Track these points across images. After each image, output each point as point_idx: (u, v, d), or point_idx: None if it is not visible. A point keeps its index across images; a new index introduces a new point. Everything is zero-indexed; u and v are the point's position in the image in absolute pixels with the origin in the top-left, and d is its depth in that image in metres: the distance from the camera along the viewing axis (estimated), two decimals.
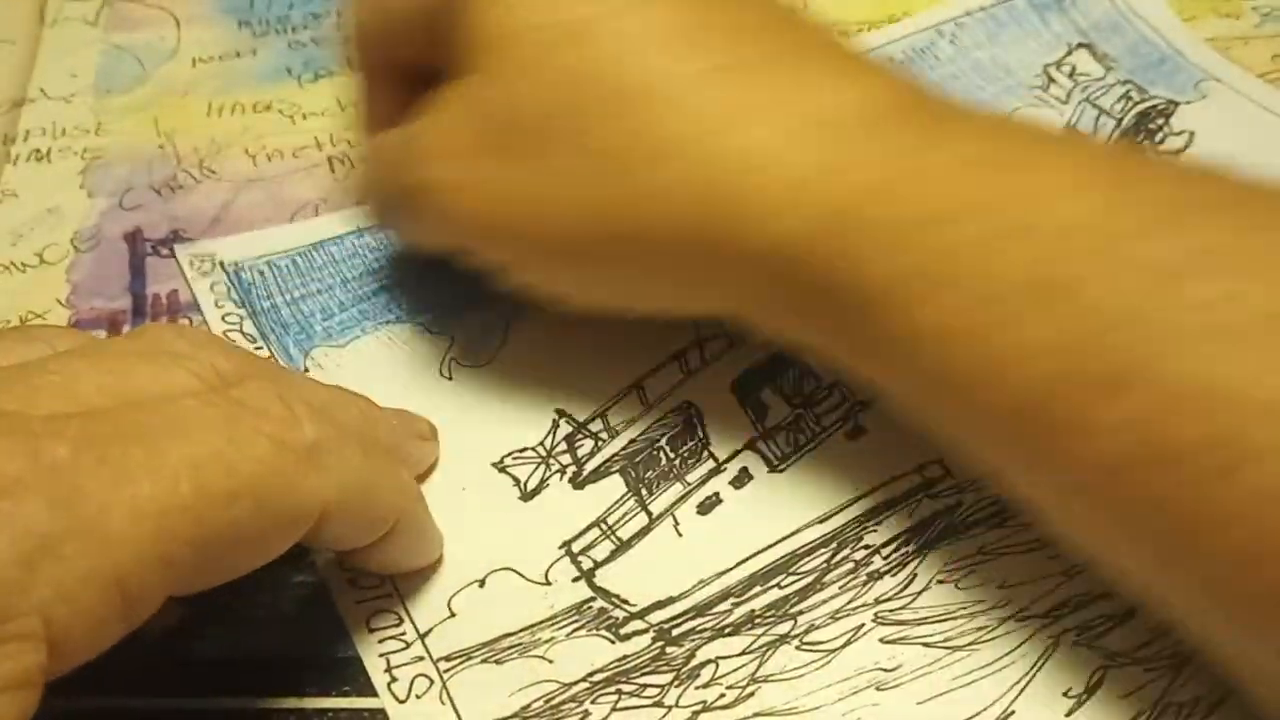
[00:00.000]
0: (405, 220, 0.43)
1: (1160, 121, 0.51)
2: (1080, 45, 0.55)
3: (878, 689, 0.35)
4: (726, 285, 0.37)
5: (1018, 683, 0.35)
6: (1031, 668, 0.35)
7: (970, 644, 0.36)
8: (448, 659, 0.36)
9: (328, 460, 0.31)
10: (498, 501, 0.40)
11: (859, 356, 0.36)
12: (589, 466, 0.41)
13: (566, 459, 0.41)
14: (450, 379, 0.44)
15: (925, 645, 0.36)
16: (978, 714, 0.34)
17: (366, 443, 0.34)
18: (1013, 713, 0.34)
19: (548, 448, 0.42)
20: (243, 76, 0.57)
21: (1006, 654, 0.35)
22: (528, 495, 0.41)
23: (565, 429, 0.42)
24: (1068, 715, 0.34)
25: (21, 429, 0.27)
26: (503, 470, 0.41)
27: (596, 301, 0.39)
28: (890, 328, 0.33)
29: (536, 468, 0.41)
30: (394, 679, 0.36)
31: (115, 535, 0.26)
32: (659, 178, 0.35)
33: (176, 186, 0.52)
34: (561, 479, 0.41)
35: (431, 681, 0.36)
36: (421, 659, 0.36)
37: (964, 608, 0.36)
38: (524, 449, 0.42)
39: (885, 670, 0.35)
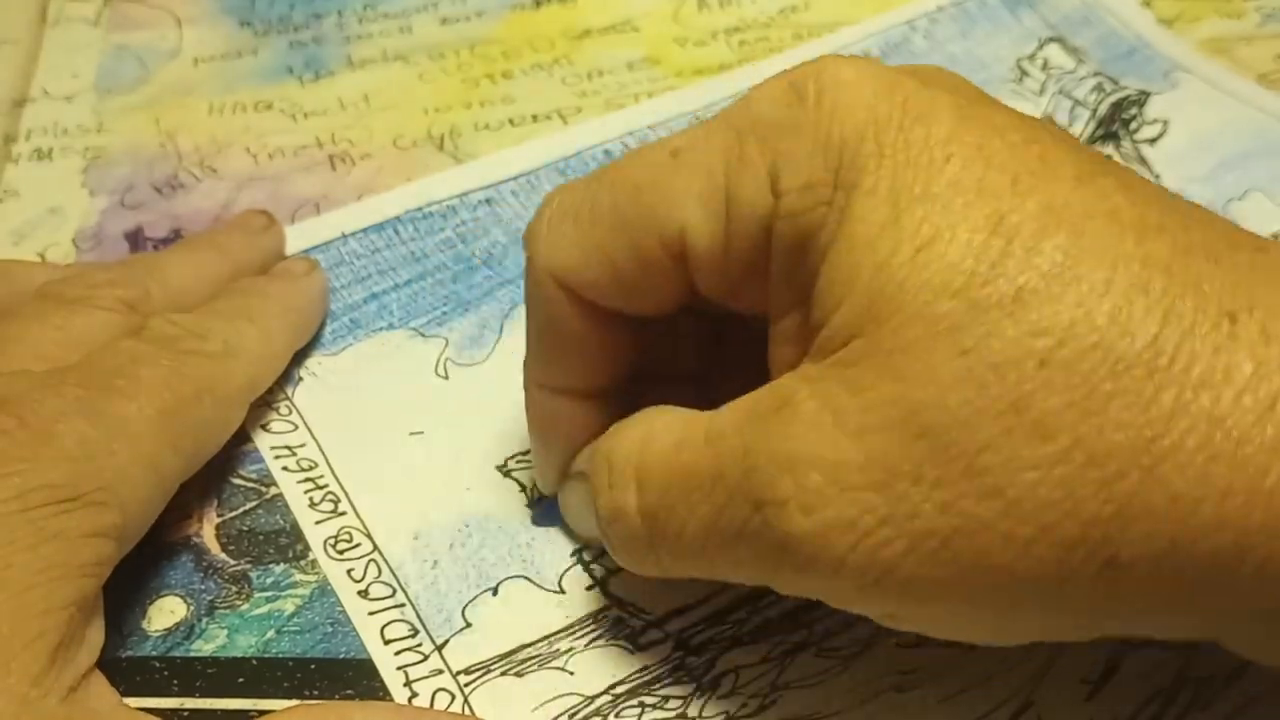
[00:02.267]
0: (725, 563, 0.30)
1: (1134, 111, 0.49)
2: (1051, 39, 0.53)
3: (897, 691, 0.33)
4: (1220, 611, 0.25)
5: (1035, 674, 0.33)
6: (1048, 659, 0.33)
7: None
8: (467, 671, 0.34)
9: (237, 348, 0.37)
10: (505, 507, 0.38)
11: None
12: None
13: None
14: (446, 378, 0.41)
15: (941, 646, 0.34)
16: (997, 708, 0.32)
17: (247, 307, 0.40)
18: (1031, 703, 0.32)
19: None
20: (244, 76, 0.55)
21: (1023, 648, 0.33)
22: (534, 502, 0.38)
23: None
24: (1087, 700, 0.32)
25: (38, 381, 0.33)
26: (507, 474, 0.39)
27: (997, 640, 0.29)
28: None
29: None
30: (414, 694, 0.33)
31: (136, 433, 0.33)
32: (1196, 477, 0.24)
33: (178, 185, 0.50)
34: None
35: (453, 695, 0.33)
36: (440, 672, 0.34)
37: None
38: (527, 451, 0.39)
39: (904, 673, 0.33)
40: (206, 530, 0.38)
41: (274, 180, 0.50)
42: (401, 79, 0.54)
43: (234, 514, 0.38)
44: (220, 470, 0.39)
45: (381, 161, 0.50)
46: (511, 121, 0.52)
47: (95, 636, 0.31)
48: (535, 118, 0.52)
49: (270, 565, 0.37)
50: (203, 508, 0.38)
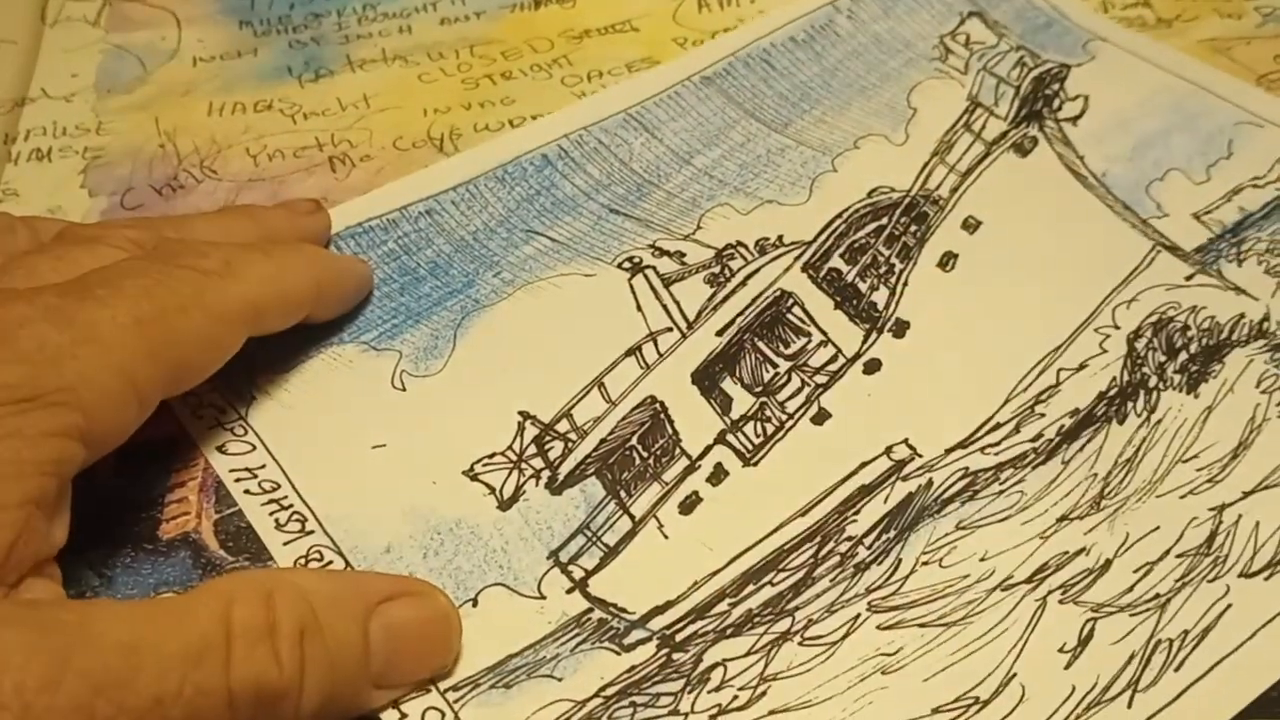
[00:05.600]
0: None
1: (1056, 87, 0.51)
2: (971, 14, 0.54)
3: (883, 673, 0.34)
4: None
5: (1014, 647, 0.34)
6: (1024, 631, 0.34)
7: (963, 618, 0.35)
8: (455, 688, 0.34)
9: (239, 269, 0.38)
10: (476, 512, 0.38)
11: None
12: (564, 470, 0.39)
13: (539, 463, 0.39)
14: (404, 390, 0.42)
15: (921, 626, 0.35)
16: (981, 681, 0.33)
17: (264, 245, 0.40)
18: (1014, 674, 0.33)
19: (517, 451, 0.40)
20: (243, 76, 0.55)
21: (999, 622, 0.35)
22: (505, 504, 0.38)
23: (532, 431, 0.40)
24: (1066, 669, 0.33)
25: (16, 293, 0.34)
26: (475, 479, 0.39)
27: None
28: None
29: (510, 473, 0.39)
30: (403, 714, 0.33)
31: (108, 340, 0.33)
32: None
33: (178, 186, 0.49)
34: (537, 484, 0.39)
35: (443, 714, 0.33)
36: (428, 691, 0.34)
37: (950, 585, 0.35)
38: (493, 454, 0.39)
39: (887, 655, 0.34)
40: (205, 526, 0.38)
41: (274, 181, 0.49)
42: (401, 79, 0.54)
43: (232, 510, 0.38)
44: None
45: (382, 163, 0.50)
46: (511, 122, 0.51)
47: (57, 533, 0.33)
48: (535, 118, 0.51)
49: (268, 562, 0.37)
50: (200, 504, 0.38)
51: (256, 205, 0.46)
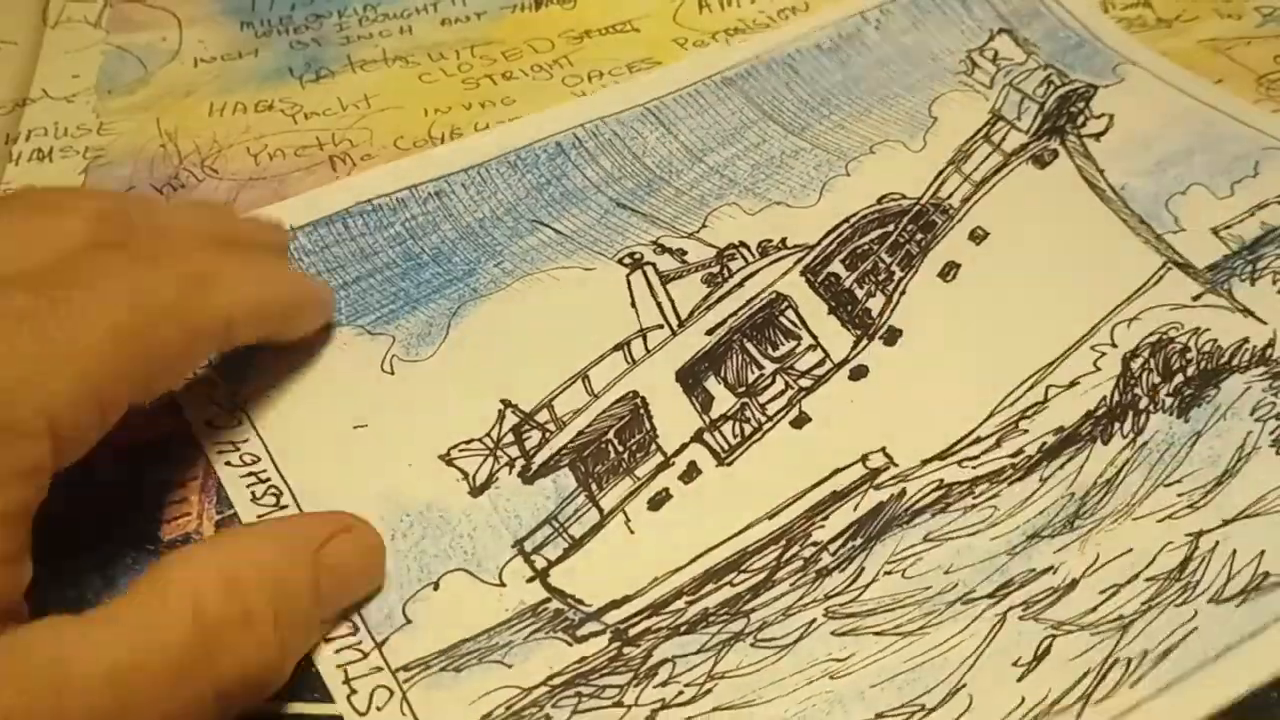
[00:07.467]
0: None
1: (1081, 105, 0.50)
2: (1001, 31, 0.53)
3: (831, 677, 0.33)
4: None
5: (967, 659, 0.33)
6: (980, 644, 0.34)
7: (920, 629, 0.34)
8: (406, 668, 0.34)
9: (220, 280, 0.35)
10: (447, 496, 0.38)
11: None
12: (538, 460, 0.39)
13: (514, 451, 0.39)
14: (392, 374, 0.42)
15: (876, 634, 0.34)
16: (928, 691, 0.33)
17: (244, 254, 0.39)
18: (963, 685, 0.33)
19: (495, 439, 0.40)
20: (244, 76, 0.55)
21: (955, 634, 0.34)
22: (477, 490, 0.38)
23: (512, 419, 0.40)
24: (1018, 682, 0.33)
25: None
26: (450, 463, 0.39)
27: None
28: None
29: (485, 460, 0.39)
30: (353, 690, 0.33)
31: (83, 351, 0.31)
32: None
33: (179, 186, 0.50)
34: (510, 472, 0.39)
35: (391, 692, 0.33)
36: (380, 669, 0.34)
37: (911, 596, 0.35)
38: (470, 440, 0.39)
39: (838, 660, 0.34)
40: (206, 528, 0.38)
41: (275, 181, 0.50)
42: (402, 79, 0.54)
43: (233, 512, 0.38)
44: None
45: (382, 162, 0.50)
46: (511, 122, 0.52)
47: (21, 577, 0.31)
48: None
49: None
50: (202, 505, 0.39)
51: (228, 204, 0.46)
